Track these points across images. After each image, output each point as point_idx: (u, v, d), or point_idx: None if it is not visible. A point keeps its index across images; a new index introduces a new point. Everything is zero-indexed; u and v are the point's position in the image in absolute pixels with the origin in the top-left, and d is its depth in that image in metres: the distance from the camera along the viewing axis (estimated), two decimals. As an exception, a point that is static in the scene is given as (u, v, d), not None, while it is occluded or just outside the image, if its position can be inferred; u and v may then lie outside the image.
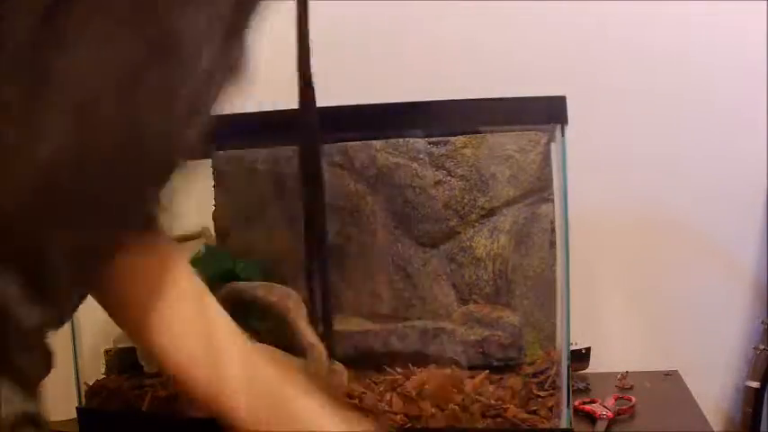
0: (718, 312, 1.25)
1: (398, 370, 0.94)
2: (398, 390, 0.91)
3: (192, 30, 0.43)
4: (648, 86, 1.22)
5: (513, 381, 0.91)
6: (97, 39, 0.40)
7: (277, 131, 0.98)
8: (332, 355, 0.94)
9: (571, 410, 0.85)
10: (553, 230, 0.98)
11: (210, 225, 1.10)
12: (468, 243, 1.01)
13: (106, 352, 1.07)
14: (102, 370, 1.06)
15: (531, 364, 0.95)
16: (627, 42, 1.21)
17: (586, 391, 1.12)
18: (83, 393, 1.01)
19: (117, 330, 0.86)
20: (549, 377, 0.91)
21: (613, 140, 1.22)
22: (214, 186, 1.09)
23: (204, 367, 0.58)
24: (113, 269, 0.52)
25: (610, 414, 1.02)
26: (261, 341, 1.00)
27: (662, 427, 1.02)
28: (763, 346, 1.20)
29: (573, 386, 1.09)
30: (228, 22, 0.46)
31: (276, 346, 0.98)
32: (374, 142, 1.02)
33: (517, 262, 1.00)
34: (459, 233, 1.01)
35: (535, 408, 0.87)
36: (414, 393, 0.89)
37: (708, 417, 1.03)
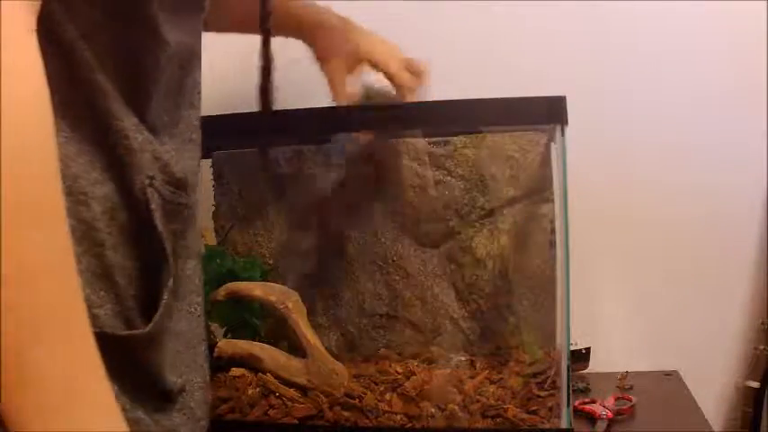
0: (718, 312, 1.25)
1: (398, 370, 0.94)
2: (398, 390, 0.91)
3: None
4: (649, 86, 1.22)
5: (513, 381, 0.91)
6: None
7: (277, 131, 0.98)
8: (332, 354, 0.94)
9: (571, 410, 0.85)
10: (553, 230, 0.98)
11: (210, 225, 1.10)
12: (468, 243, 1.01)
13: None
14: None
15: (532, 364, 0.95)
16: (627, 42, 1.21)
17: (586, 391, 1.12)
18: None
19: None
20: (549, 377, 0.91)
21: (613, 140, 1.22)
22: (214, 186, 1.09)
23: None
24: None
25: (610, 414, 1.02)
26: (261, 341, 1.00)
27: (662, 427, 1.02)
28: (762, 346, 1.20)
29: (573, 386, 1.10)
30: None
31: (276, 346, 0.98)
32: (374, 142, 1.02)
33: (517, 262, 1.00)
34: (459, 233, 1.01)
35: (535, 408, 0.87)
36: (414, 393, 0.89)
37: (708, 417, 1.03)
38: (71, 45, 0.54)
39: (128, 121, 0.57)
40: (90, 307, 0.53)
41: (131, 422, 0.54)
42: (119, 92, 0.57)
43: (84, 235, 0.55)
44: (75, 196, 0.55)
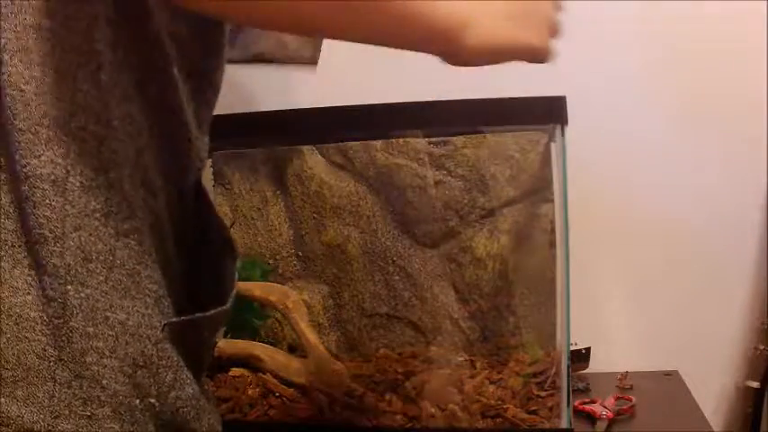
0: (718, 312, 1.25)
1: (398, 370, 0.94)
2: (398, 390, 0.91)
3: None
4: (648, 87, 1.22)
5: (513, 381, 0.91)
6: None
7: (277, 131, 0.98)
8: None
9: (571, 410, 0.85)
10: (553, 230, 0.98)
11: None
12: (468, 243, 1.01)
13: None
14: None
15: (532, 364, 0.95)
16: (627, 42, 1.21)
17: (586, 391, 1.12)
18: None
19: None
20: (549, 377, 0.91)
21: (613, 140, 1.22)
22: (214, 186, 1.09)
23: None
24: None
25: (610, 414, 1.02)
26: (261, 341, 1.00)
27: (662, 427, 1.02)
28: (763, 346, 1.20)
29: (573, 386, 1.09)
30: None
31: (276, 346, 0.98)
32: (374, 142, 1.02)
33: (517, 262, 1.00)
34: (460, 233, 1.01)
35: (535, 408, 0.87)
36: (414, 393, 0.89)
37: (708, 417, 1.03)
38: (157, 36, 0.53)
39: (189, 116, 0.58)
40: (164, 296, 0.54)
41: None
42: (185, 85, 0.57)
43: (154, 227, 0.55)
44: (147, 187, 0.54)
